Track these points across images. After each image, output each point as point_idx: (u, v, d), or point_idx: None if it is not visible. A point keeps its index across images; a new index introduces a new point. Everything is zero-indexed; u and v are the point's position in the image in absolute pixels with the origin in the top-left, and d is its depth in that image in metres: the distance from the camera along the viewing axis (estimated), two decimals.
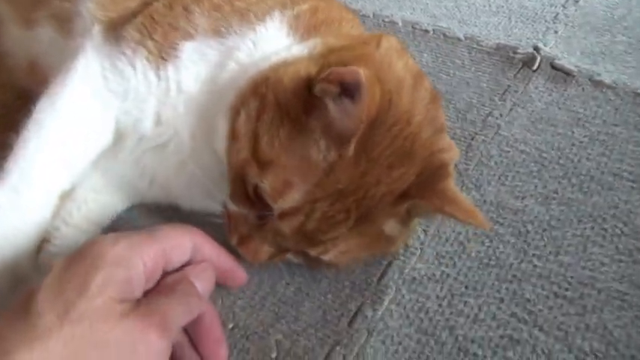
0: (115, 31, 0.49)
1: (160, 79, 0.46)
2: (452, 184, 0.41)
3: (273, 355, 0.43)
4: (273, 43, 0.46)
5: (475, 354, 0.42)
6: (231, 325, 0.45)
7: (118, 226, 0.52)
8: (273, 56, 0.44)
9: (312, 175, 0.39)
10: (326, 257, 0.42)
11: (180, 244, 0.40)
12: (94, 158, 0.49)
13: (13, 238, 0.44)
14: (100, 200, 0.51)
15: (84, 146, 0.48)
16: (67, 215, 0.49)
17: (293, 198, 0.39)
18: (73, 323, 0.31)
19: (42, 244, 0.48)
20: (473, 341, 0.43)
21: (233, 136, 0.42)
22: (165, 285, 0.38)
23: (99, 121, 0.48)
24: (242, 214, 0.44)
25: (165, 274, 0.39)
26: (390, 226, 0.43)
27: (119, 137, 0.49)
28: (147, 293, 0.37)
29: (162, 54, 0.46)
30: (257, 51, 0.46)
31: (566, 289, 0.46)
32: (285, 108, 0.40)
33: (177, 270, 0.40)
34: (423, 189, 0.40)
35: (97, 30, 0.50)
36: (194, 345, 0.40)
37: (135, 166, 0.50)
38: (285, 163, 0.40)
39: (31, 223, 0.45)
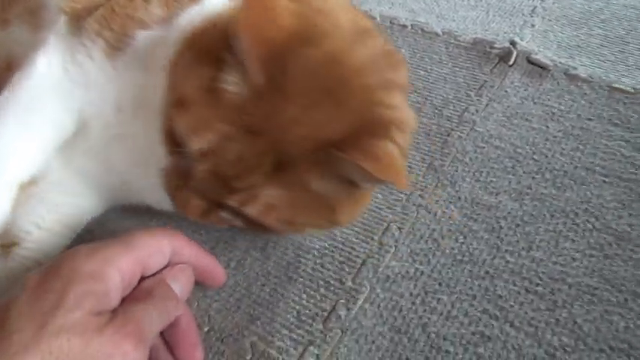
0: (78, 22, 0.49)
1: (116, 69, 0.47)
2: (385, 146, 0.38)
3: (248, 357, 0.43)
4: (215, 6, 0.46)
5: (447, 351, 0.43)
6: (206, 329, 0.45)
7: (92, 227, 0.52)
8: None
9: (226, 112, 0.38)
10: (250, 210, 0.40)
11: (158, 250, 0.40)
12: (55, 148, 0.49)
13: None
14: (74, 203, 0.51)
15: (43, 137, 0.49)
16: (40, 219, 0.49)
17: (207, 138, 0.38)
18: (51, 338, 0.31)
19: (11, 247, 0.48)
20: (445, 338, 0.44)
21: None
22: (142, 290, 0.38)
23: (59, 111, 0.49)
24: (174, 165, 0.43)
25: (143, 278, 0.39)
26: (318, 184, 0.39)
27: (84, 127, 0.50)
28: (125, 299, 0.37)
29: (119, 44, 0.47)
30: (202, 15, 0.45)
31: (537, 285, 0.46)
32: (206, 49, 0.40)
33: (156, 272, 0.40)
34: (347, 141, 0.37)
35: (62, 21, 0.50)
36: (169, 348, 0.40)
37: (104, 163, 0.50)
38: (200, 101, 0.38)
39: None
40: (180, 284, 0.41)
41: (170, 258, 0.42)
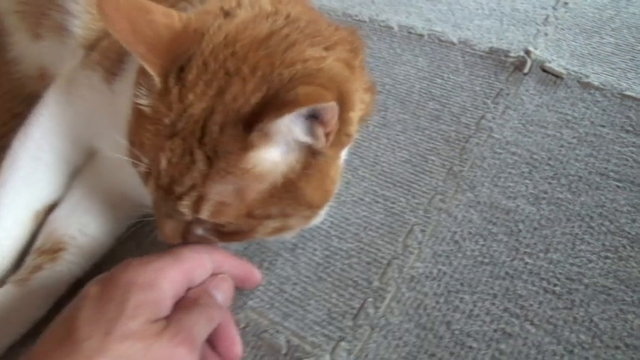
0: (90, 53, 0.54)
1: (114, 92, 0.51)
2: (305, 87, 0.36)
3: (283, 352, 0.46)
4: None
5: (471, 347, 0.45)
6: (243, 325, 0.48)
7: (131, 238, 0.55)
8: None
9: (145, 125, 0.39)
10: (205, 214, 0.39)
11: (201, 264, 0.43)
12: (66, 179, 0.56)
13: None
14: (115, 214, 0.54)
15: (53, 170, 0.55)
16: (84, 226, 0.52)
17: (144, 156, 0.39)
18: (116, 344, 0.34)
19: (58, 252, 0.51)
20: (468, 335, 0.46)
21: None
22: (188, 300, 0.41)
23: (66, 144, 0.55)
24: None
25: (189, 288, 0.42)
26: (260, 161, 0.38)
27: (97, 150, 0.56)
28: (174, 307, 0.40)
29: (115, 69, 0.51)
30: None
31: (555, 285, 0.49)
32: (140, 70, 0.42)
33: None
34: (267, 106, 0.36)
35: (80, 51, 0.55)
36: (211, 344, 0.43)
37: (124, 179, 0.53)
38: (132, 126, 0.40)
39: (5, 240, 0.51)
40: (222, 293, 0.44)
41: (212, 272, 0.45)
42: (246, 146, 0.37)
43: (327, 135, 0.39)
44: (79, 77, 0.55)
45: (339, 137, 0.41)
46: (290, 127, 0.37)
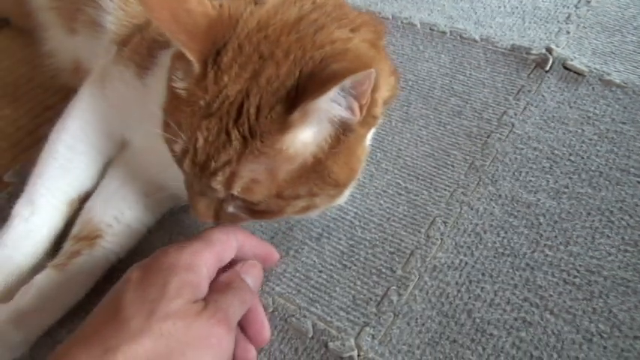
0: (122, 49, 0.57)
1: (146, 85, 0.53)
2: (337, 65, 0.38)
3: (310, 335, 0.48)
4: None
5: (491, 334, 0.47)
6: (271, 309, 0.50)
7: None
8: None
9: (184, 107, 0.41)
10: (237, 189, 0.41)
11: (229, 245, 0.45)
12: (100, 169, 0.59)
13: (30, 240, 0.53)
14: (149, 203, 0.56)
15: (87, 160, 0.58)
16: (120, 214, 0.55)
17: (181, 137, 0.41)
18: (159, 322, 0.37)
19: (95, 239, 0.53)
20: (489, 323, 0.48)
21: None
22: (222, 283, 0.43)
23: (101, 136, 0.58)
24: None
25: (219, 270, 0.44)
26: (294, 142, 0.40)
27: (130, 142, 0.58)
28: (209, 289, 0.42)
29: (146, 64, 0.53)
30: None
31: (575, 277, 0.50)
32: (174, 55, 0.44)
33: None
34: (307, 86, 0.38)
35: (113, 47, 0.58)
36: (242, 328, 0.45)
37: (156, 169, 0.56)
38: (168, 107, 0.43)
39: (43, 227, 0.54)
40: (252, 278, 0.47)
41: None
42: (284, 127, 0.38)
43: (361, 108, 0.40)
44: (112, 72, 0.57)
45: (367, 118, 0.42)
46: (330, 104, 0.38)
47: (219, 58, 0.41)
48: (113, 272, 0.54)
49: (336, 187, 0.44)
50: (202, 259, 0.41)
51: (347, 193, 0.49)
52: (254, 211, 0.44)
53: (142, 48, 0.55)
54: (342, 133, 0.41)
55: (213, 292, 0.41)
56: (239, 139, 0.39)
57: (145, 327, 0.36)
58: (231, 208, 0.45)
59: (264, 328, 0.46)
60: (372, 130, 0.49)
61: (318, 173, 0.42)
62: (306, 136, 0.40)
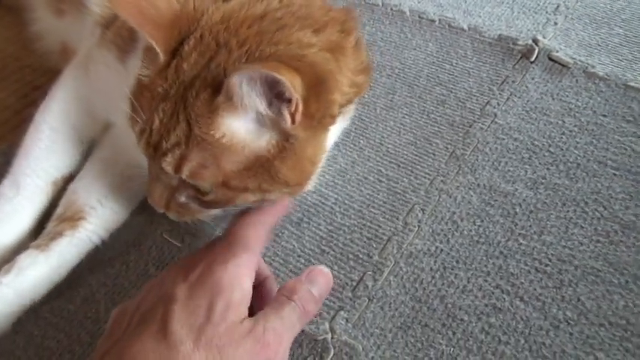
0: (106, 32, 0.57)
1: (127, 69, 0.53)
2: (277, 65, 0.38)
3: None
4: None
5: (462, 319, 0.48)
6: None
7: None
8: None
9: (144, 92, 0.43)
10: (185, 172, 0.42)
11: (262, 241, 0.45)
12: (84, 151, 0.59)
13: (14, 220, 0.54)
14: (133, 186, 0.57)
15: (71, 141, 0.58)
16: (103, 198, 0.56)
17: (141, 117, 0.43)
18: (205, 349, 0.37)
19: (78, 221, 0.54)
20: (460, 308, 0.49)
21: None
22: (282, 296, 0.43)
23: (83, 118, 0.59)
24: None
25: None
26: (226, 131, 0.41)
27: (113, 125, 0.59)
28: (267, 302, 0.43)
29: (127, 47, 0.54)
30: None
31: (547, 265, 0.51)
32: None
33: None
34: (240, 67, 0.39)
35: (97, 29, 0.58)
36: (260, 304, 0.44)
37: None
38: (134, 92, 0.44)
39: (27, 207, 0.55)
40: (318, 287, 0.45)
41: None
42: (212, 110, 0.40)
43: (292, 115, 0.40)
44: (95, 55, 0.58)
45: (322, 118, 0.43)
46: (249, 93, 0.39)
47: (182, 47, 0.42)
48: (96, 254, 0.55)
49: (288, 187, 0.44)
50: (247, 271, 0.41)
51: (311, 184, 0.50)
52: (203, 201, 0.45)
53: (123, 31, 0.56)
54: (285, 139, 0.42)
55: (271, 305, 0.41)
56: (185, 121, 0.41)
57: (194, 353, 0.36)
58: (182, 198, 0.46)
59: None
60: (339, 127, 0.51)
61: (267, 171, 0.42)
62: (241, 128, 0.41)
